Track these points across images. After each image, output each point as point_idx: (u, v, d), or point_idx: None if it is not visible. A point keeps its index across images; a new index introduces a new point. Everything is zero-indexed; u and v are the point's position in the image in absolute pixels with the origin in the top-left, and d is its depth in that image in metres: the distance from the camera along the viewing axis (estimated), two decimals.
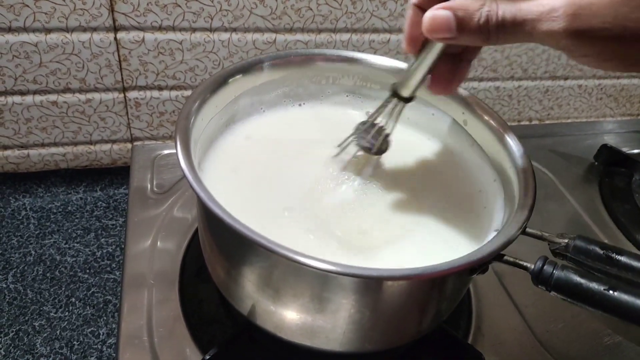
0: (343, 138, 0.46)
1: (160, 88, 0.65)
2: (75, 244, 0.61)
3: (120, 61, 0.61)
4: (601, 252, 0.36)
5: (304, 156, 0.47)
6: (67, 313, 0.54)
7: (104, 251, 0.61)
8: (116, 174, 0.70)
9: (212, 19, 0.60)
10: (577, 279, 0.34)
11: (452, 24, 0.32)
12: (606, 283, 0.33)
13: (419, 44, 0.37)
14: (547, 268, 0.34)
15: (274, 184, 0.44)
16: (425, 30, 0.33)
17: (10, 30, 0.56)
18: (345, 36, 0.66)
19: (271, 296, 0.38)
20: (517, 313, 0.54)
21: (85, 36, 0.58)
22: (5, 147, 0.65)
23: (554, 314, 0.54)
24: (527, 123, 0.86)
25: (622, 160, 0.76)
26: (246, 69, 0.47)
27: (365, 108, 0.52)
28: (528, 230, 0.37)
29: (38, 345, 0.51)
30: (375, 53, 0.50)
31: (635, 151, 0.81)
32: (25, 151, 0.66)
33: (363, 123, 0.45)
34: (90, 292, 0.56)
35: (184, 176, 0.35)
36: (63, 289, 0.56)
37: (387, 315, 0.38)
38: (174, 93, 0.66)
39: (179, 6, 0.58)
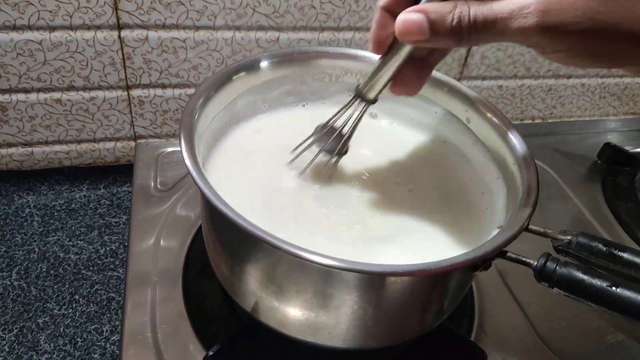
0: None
1: (163, 86, 0.65)
2: (79, 242, 0.61)
3: (124, 59, 0.61)
4: (604, 248, 0.36)
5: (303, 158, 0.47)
6: (70, 310, 0.54)
7: (108, 249, 0.61)
8: (120, 172, 0.70)
9: (215, 17, 0.60)
10: (580, 275, 0.34)
11: (425, 26, 0.32)
12: (609, 279, 0.33)
13: (386, 46, 0.38)
14: (550, 264, 0.34)
15: (275, 184, 0.44)
16: (397, 33, 0.33)
17: (14, 28, 0.56)
18: (349, 34, 0.66)
19: (274, 292, 0.38)
20: (520, 311, 0.54)
21: (89, 34, 0.58)
22: (10, 145, 0.65)
23: (556, 311, 0.54)
24: (530, 122, 0.86)
25: (625, 159, 0.76)
26: (250, 66, 0.47)
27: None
28: (531, 227, 0.37)
29: (42, 342, 0.51)
30: None
31: (639, 149, 0.80)
32: (29, 149, 0.66)
33: (323, 126, 0.44)
34: (94, 289, 0.56)
35: (188, 172, 0.35)
36: (67, 286, 0.56)
37: (390, 312, 0.38)
38: (177, 91, 0.66)
39: (183, 4, 0.58)
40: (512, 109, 0.83)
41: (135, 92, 0.64)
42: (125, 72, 0.62)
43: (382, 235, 0.41)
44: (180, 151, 0.37)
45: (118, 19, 0.58)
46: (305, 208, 0.42)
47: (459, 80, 0.74)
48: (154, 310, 0.48)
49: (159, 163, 0.65)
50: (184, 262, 0.53)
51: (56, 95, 0.62)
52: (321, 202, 0.43)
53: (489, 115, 0.46)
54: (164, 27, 0.60)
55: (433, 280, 0.38)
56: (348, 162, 0.46)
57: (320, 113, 0.52)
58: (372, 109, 0.51)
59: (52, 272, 0.57)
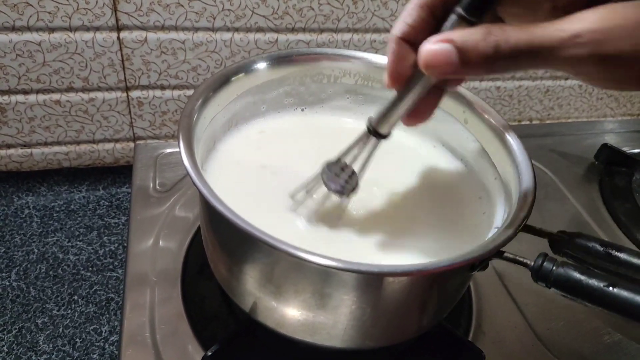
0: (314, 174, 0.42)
1: (162, 87, 0.65)
2: (78, 242, 0.61)
3: (123, 60, 0.61)
4: (601, 249, 0.36)
5: (304, 161, 0.46)
6: (69, 311, 0.54)
7: (107, 249, 0.61)
8: (119, 173, 0.71)
9: (214, 19, 0.61)
10: (577, 275, 0.34)
11: (454, 57, 0.29)
12: (606, 280, 0.33)
13: (404, 79, 0.35)
14: (547, 265, 0.35)
15: (275, 185, 0.44)
16: (423, 66, 0.30)
17: (13, 29, 0.56)
18: (347, 36, 0.67)
19: (273, 293, 0.38)
20: (518, 311, 0.54)
21: (88, 35, 0.58)
22: (9, 146, 0.65)
23: (554, 312, 0.54)
24: (527, 123, 0.86)
25: (622, 160, 0.76)
26: (248, 68, 0.47)
27: (365, 113, 0.52)
28: (528, 227, 0.37)
29: (41, 343, 0.51)
30: (376, 53, 0.50)
31: (636, 151, 0.81)
32: (29, 150, 0.66)
33: (331, 164, 0.41)
34: (93, 290, 0.57)
35: (187, 173, 0.35)
36: (66, 286, 0.56)
37: (388, 312, 0.38)
38: (176, 92, 0.66)
39: (182, 6, 0.59)
40: (509, 110, 0.83)
41: (135, 94, 0.65)
42: (125, 74, 0.62)
43: (378, 238, 0.41)
44: (179, 152, 0.37)
45: (117, 20, 0.58)
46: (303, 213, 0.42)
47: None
48: (153, 311, 0.48)
49: (158, 164, 0.65)
50: (182, 262, 0.53)
51: (55, 96, 0.62)
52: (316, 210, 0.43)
53: (486, 116, 0.46)
54: (163, 28, 0.60)
55: (431, 281, 0.38)
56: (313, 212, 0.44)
57: (320, 117, 0.53)
58: (368, 112, 0.52)
59: (51, 272, 0.58)
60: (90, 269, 0.58)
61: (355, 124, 0.53)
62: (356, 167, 0.41)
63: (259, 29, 0.63)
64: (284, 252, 0.31)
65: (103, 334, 0.53)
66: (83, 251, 0.60)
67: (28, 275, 0.57)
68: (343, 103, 0.53)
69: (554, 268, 0.34)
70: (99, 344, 0.52)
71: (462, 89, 0.48)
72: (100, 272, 0.58)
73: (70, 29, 0.57)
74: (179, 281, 0.51)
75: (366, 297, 0.36)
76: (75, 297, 0.56)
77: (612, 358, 0.52)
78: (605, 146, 0.77)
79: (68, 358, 0.50)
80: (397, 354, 0.48)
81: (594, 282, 0.33)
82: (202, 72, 0.65)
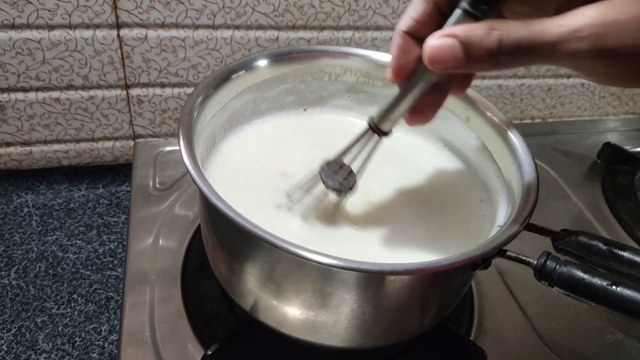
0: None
1: (162, 85, 0.65)
2: (78, 241, 0.61)
3: (123, 58, 0.61)
4: (604, 247, 0.36)
5: (304, 161, 0.46)
6: (69, 309, 0.54)
7: (106, 248, 0.61)
8: (118, 171, 0.70)
9: (214, 16, 0.60)
10: (580, 274, 0.33)
11: (459, 52, 0.29)
12: (609, 278, 0.33)
13: (407, 74, 0.35)
14: (550, 263, 0.34)
15: (275, 184, 0.44)
16: (427, 60, 0.30)
17: (13, 27, 0.56)
18: (348, 33, 0.66)
19: (273, 291, 0.38)
20: (519, 310, 0.54)
21: (88, 33, 0.58)
22: (8, 144, 0.65)
23: (556, 311, 0.54)
24: (529, 121, 0.86)
25: (624, 158, 0.76)
26: (249, 65, 0.47)
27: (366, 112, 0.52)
28: (531, 226, 0.37)
29: (40, 342, 0.51)
30: (377, 50, 0.50)
31: (638, 149, 0.80)
32: (28, 148, 0.66)
33: (330, 162, 0.40)
34: (93, 288, 0.56)
35: (187, 171, 0.35)
36: (65, 285, 0.56)
37: (389, 311, 0.38)
38: (176, 90, 0.66)
39: (182, 3, 0.58)
40: (511, 108, 0.83)
41: (134, 91, 0.64)
42: (124, 71, 0.62)
43: (378, 238, 0.41)
44: (179, 150, 0.37)
45: (117, 17, 0.58)
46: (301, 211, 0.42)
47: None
48: (153, 310, 0.48)
49: (158, 162, 0.65)
50: (182, 261, 0.53)
51: (55, 94, 0.62)
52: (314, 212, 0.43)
53: (488, 114, 0.46)
54: (163, 26, 0.60)
55: (432, 279, 0.37)
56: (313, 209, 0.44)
57: (321, 116, 0.53)
58: (370, 112, 0.51)
59: (50, 271, 0.57)
60: (90, 267, 0.58)
61: (356, 123, 0.53)
62: (356, 165, 0.40)
63: (260, 27, 0.63)
64: (285, 250, 0.31)
65: (103, 332, 0.53)
66: (83, 250, 0.60)
67: (27, 273, 0.57)
68: (344, 102, 0.53)
69: (557, 267, 0.34)
70: (98, 342, 0.52)
71: None
72: (100, 270, 0.58)
73: (70, 26, 0.57)
74: (179, 280, 0.51)
75: (367, 296, 0.36)
76: (75, 296, 0.55)
77: (614, 357, 0.51)
78: (607, 145, 0.77)
79: (67, 357, 0.50)
80: (398, 353, 0.48)
81: (596, 280, 0.33)
82: (202, 70, 0.65)
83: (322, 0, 0.62)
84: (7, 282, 0.56)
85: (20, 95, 0.61)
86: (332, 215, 0.42)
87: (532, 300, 0.54)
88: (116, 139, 0.68)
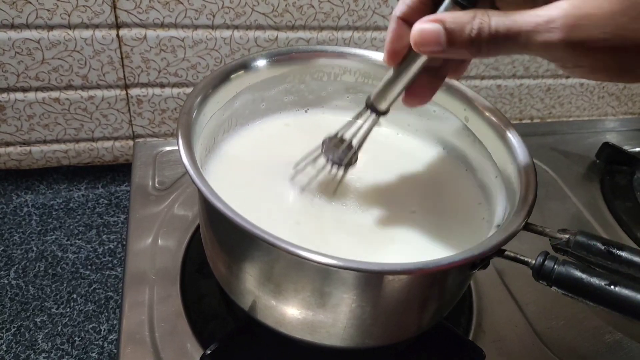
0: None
1: (162, 85, 0.65)
2: (77, 241, 0.61)
3: (122, 58, 0.61)
4: (602, 247, 0.36)
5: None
6: (68, 309, 0.54)
7: (106, 248, 0.61)
8: (118, 171, 0.70)
9: (214, 16, 0.60)
10: (578, 274, 0.34)
11: (442, 37, 0.31)
12: (607, 278, 0.33)
13: (400, 57, 0.37)
14: (548, 263, 0.34)
15: (274, 184, 0.44)
16: (413, 43, 0.32)
17: (12, 26, 0.56)
18: (347, 34, 0.66)
19: (272, 291, 0.38)
20: (518, 310, 0.54)
21: (87, 33, 0.58)
22: (8, 144, 0.65)
23: (554, 311, 0.54)
24: (528, 121, 0.86)
25: (623, 158, 0.76)
26: (248, 65, 0.47)
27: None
28: (529, 225, 0.37)
29: (39, 341, 0.51)
30: (377, 51, 0.50)
31: (637, 149, 0.80)
32: (28, 148, 0.66)
33: (331, 137, 0.43)
34: (92, 288, 0.56)
35: (186, 171, 0.35)
36: (64, 285, 0.56)
37: (388, 311, 0.38)
38: (175, 90, 0.66)
39: (181, 3, 0.58)
40: (510, 108, 0.83)
41: (134, 91, 0.64)
42: (124, 71, 0.62)
43: (378, 238, 0.41)
44: (178, 150, 0.37)
45: (116, 17, 0.58)
46: (302, 212, 0.42)
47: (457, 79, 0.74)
48: (152, 309, 0.48)
49: (157, 162, 0.65)
50: (181, 261, 0.53)
51: (54, 94, 0.62)
52: (315, 211, 0.43)
53: (487, 114, 0.46)
54: (162, 26, 0.60)
55: (431, 279, 0.38)
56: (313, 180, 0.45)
57: (320, 116, 0.53)
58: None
59: (50, 271, 0.57)
60: (89, 267, 0.58)
61: (356, 123, 0.52)
62: (356, 142, 0.43)
63: (259, 27, 0.63)
64: (283, 250, 0.31)
65: (102, 332, 0.53)
66: (82, 249, 0.60)
67: (27, 273, 0.57)
68: (343, 103, 0.53)
69: (555, 266, 0.34)
70: (97, 342, 0.52)
71: (462, 86, 0.48)
72: (99, 270, 0.58)
73: (69, 26, 0.57)
74: (178, 279, 0.51)
75: (366, 295, 0.36)
76: (74, 296, 0.55)
77: (612, 357, 0.51)
78: (606, 145, 0.77)
79: (67, 356, 0.50)
80: (397, 353, 0.48)
81: (595, 280, 0.33)
82: (201, 70, 0.65)
83: (321, 0, 0.62)
84: (6, 281, 0.56)
85: (19, 95, 0.61)
86: (335, 218, 0.42)
87: (530, 300, 0.54)
88: (115, 138, 0.68)
